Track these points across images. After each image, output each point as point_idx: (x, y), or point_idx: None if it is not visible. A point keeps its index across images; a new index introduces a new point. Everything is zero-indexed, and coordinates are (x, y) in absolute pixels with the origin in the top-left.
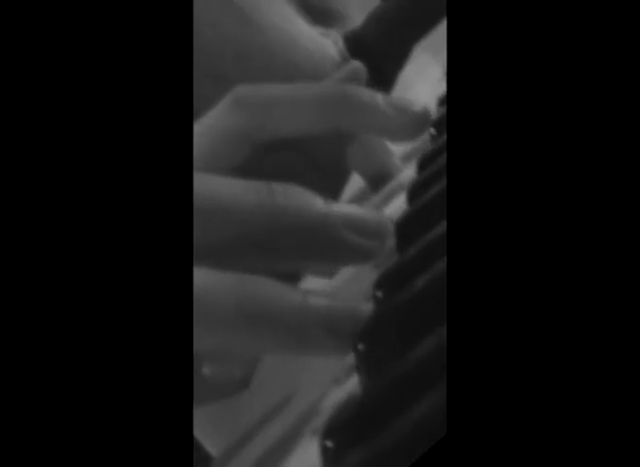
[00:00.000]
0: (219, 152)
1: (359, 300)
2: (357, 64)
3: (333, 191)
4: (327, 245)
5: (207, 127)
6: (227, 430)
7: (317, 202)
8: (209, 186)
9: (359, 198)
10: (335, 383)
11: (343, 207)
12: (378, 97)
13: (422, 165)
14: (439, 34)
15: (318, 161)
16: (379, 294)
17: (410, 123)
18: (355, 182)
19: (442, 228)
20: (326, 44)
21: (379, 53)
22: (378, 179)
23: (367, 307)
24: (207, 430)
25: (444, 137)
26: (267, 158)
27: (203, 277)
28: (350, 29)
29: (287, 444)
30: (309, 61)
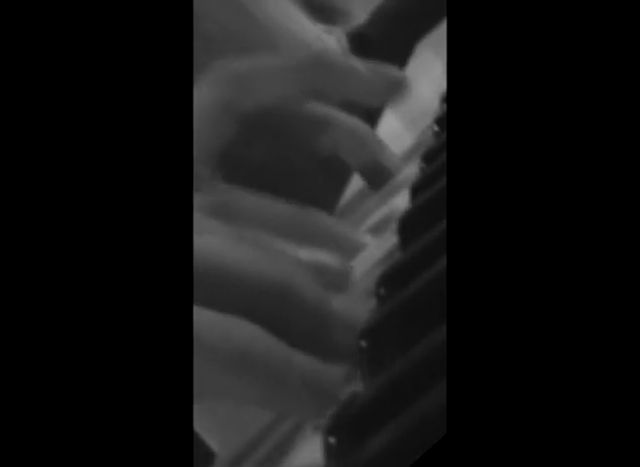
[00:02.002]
0: (207, 129)
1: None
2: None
3: (334, 191)
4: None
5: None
6: (230, 425)
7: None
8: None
9: (360, 198)
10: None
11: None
12: (353, 59)
13: (425, 163)
14: (442, 31)
15: (321, 162)
16: (382, 291)
17: (385, 83)
18: (356, 182)
19: (443, 226)
20: (329, 41)
21: (383, 51)
22: (378, 178)
23: (345, 371)
24: (210, 425)
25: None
26: (271, 159)
27: (202, 314)
28: (353, 27)
29: (290, 440)
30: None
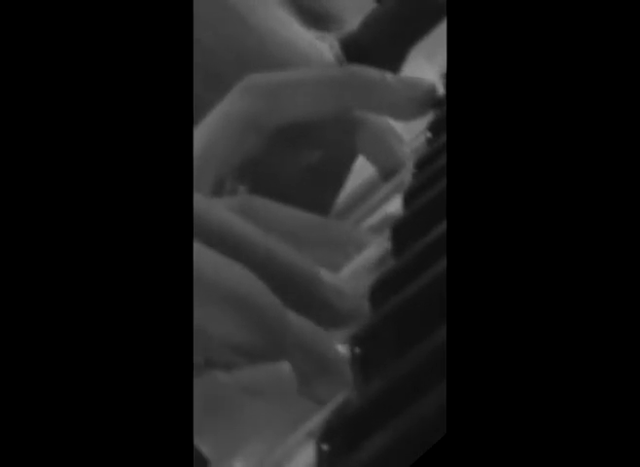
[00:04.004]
0: (232, 139)
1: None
2: None
3: (337, 177)
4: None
5: (219, 115)
6: (223, 431)
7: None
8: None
9: (368, 189)
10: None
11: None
12: (386, 74)
13: (418, 169)
14: (434, 38)
15: (325, 147)
16: (376, 297)
17: (419, 98)
18: (361, 170)
19: (437, 232)
20: (322, 48)
21: (375, 57)
22: (390, 167)
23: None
24: (202, 431)
25: (440, 140)
26: (276, 146)
27: (210, 258)
28: (346, 33)
29: (283, 446)
30: (306, 65)
